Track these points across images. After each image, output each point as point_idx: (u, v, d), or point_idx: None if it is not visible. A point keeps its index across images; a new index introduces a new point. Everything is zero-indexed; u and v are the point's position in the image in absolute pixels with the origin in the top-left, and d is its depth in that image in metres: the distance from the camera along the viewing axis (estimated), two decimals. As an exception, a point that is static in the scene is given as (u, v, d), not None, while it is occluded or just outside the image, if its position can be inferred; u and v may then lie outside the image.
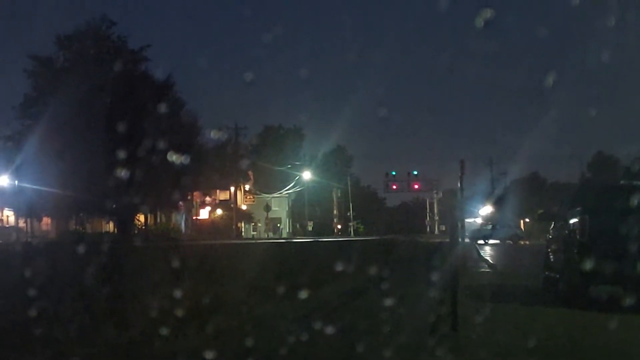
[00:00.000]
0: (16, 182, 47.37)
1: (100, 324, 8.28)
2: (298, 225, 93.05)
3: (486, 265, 25.13)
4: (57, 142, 38.26)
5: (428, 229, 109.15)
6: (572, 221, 12.85)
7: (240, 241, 49.14)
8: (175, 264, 10.49)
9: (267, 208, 78.11)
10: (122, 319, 8.49)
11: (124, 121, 37.53)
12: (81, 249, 10.67)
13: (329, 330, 8.25)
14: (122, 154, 36.09)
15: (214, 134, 67.24)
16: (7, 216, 62.83)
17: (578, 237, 12.25)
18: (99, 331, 7.98)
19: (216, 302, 9.92)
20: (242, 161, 73.47)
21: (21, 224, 59.64)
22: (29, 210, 50.19)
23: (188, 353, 7.33)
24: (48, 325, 7.64)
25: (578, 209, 12.68)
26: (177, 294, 8.87)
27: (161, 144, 33.01)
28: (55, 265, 10.00)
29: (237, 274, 12.95)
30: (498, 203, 77.79)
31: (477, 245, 45.66)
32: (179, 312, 8.22)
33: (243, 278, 12.53)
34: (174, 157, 35.48)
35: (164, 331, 7.70)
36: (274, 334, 8.64)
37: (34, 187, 42.47)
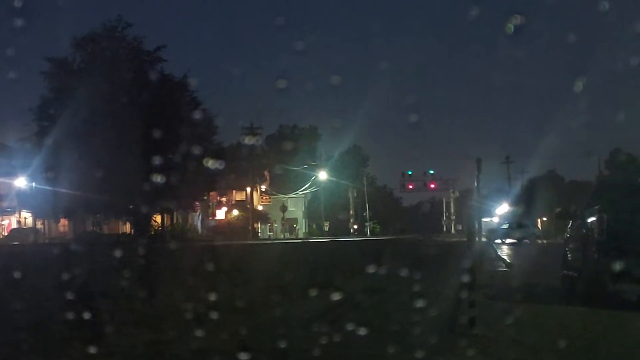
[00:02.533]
0: (33, 183, 47.68)
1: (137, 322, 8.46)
2: (314, 226, 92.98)
3: (503, 265, 25.01)
4: (74, 144, 38.38)
5: (444, 229, 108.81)
6: (590, 220, 12.76)
7: (269, 241, 49.32)
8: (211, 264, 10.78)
9: (283, 208, 78.13)
10: (157, 318, 8.64)
11: (141, 122, 37.63)
12: (118, 251, 10.88)
13: (356, 328, 8.31)
14: (139, 155, 36.18)
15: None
16: (25, 218, 63.25)
17: (596, 235, 12.17)
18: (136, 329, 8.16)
19: (253, 302, 10.12)
20: (258, 161, 73.76)
21: (39, 225, 60.09)
22: (46, 211, 50.48)
23: (220, 352, 7.38)
24: (85, 324, 7.77)
25: (596, 207, 12.59)
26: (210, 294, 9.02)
27: (178, 144, 33.07)
28: (93, 266, 10.14)
29: (275, 274, 13.14)
30: (515, 202, 77.46)
31: (494, 245, 45.45)
32: (212, 313, 8.34)
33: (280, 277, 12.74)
34: (190, 158, 35.54)
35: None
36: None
37: (51, 188, 42.70)
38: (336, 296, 11.16)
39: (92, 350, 7.15)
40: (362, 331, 8.20)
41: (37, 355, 7.36)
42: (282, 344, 7.61)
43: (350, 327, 8.40)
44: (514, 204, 77.70)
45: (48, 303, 8.70)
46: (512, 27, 15.35)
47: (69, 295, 8.30)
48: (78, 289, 8.38)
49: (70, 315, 7.85)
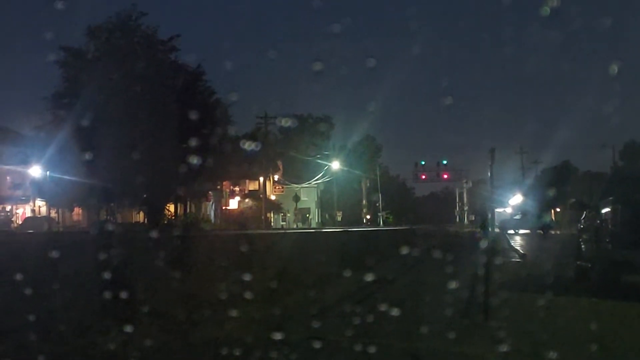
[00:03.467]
0: (48, 172, 47.82)
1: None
2: (327, 216, 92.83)
3: (517, 255, 24.97)
4: (88, 133, 38.49)
5: (457, 219, 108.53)
6: (604, 211, 12.72)
7: (281, 231, 49.55)
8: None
9: (296, 198, 78.08)
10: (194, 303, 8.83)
11: (155, 111, 37.75)
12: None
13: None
14: (153, 144, 36.29)
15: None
16: (39, 206, 63.50)
17: (610, 226, 12.13)
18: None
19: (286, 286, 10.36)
20: (271, 151, 73.72)
21: (53, 214, 60.35)
22: (60, 200, 50.70)
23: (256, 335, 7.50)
24: (121, 307, 7.92)
25: (610, 198, 12.55)
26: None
27: (192, 134, 33.13)
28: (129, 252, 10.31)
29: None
30: (528, 192, 77.06)
31: (507, 235, 45.29)
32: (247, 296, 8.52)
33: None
34: (204, 147, 35.57)
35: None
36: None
37: (66, 177, 42.84)
38: (350, 288, 11.25)
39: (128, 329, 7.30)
40: (381, 318, 8.31)
41: (73, 333, 7.51)
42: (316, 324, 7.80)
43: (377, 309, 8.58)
44: (527, 194, 77.31)
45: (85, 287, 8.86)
46: (548, 9, 15.09)
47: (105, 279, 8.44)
48: (106, 283, 8.47)
49: (105, 299, 8.00)
